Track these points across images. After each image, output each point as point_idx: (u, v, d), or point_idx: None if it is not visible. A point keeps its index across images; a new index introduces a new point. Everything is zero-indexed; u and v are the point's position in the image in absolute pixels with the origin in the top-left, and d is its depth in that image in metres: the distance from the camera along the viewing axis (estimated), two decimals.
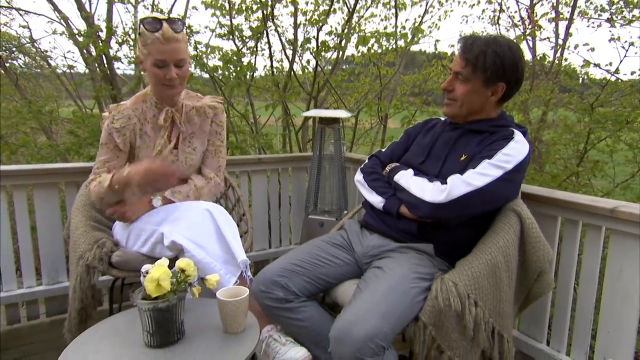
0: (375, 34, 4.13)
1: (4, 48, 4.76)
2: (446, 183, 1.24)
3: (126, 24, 4.34)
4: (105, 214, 1.58)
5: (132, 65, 3.94)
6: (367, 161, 1.59)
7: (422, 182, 1.30)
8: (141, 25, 1.38)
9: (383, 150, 1.61)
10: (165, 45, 1.38)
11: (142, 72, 1.49)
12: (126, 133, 1.49)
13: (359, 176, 1.55)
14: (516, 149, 1.25)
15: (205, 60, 3.64)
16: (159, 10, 4.25)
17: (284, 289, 1.32)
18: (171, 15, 1.46)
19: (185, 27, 1.44)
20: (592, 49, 4.03)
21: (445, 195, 1.21)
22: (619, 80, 4.08)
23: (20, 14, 4.35)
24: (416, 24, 4.66)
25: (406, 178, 1.35)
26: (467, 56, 1.29)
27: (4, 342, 1.87)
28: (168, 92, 1.48)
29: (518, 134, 1.30)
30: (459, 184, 1.21)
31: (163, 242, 1.38)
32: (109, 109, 1.53)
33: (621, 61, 4.00)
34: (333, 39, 3.89)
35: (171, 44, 1.39)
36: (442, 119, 1.52)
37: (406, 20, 8.44)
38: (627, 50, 3.93)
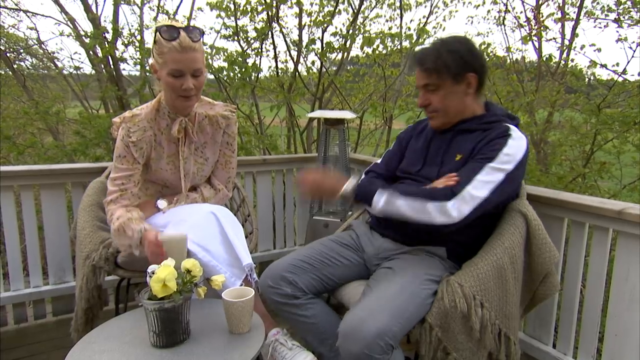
0: (380, 35, 4.13)
1: (12, 50, 4.81)
2: (446, 198, 1.17)
3: (132, 26, 4.37)
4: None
5: (138, 67, 3.96)
6: (363, 177, 1.55)
7: (421, 205, 1.18)
8: (157, 33, 1.34)
9: (379, 161, 1.59)
10: (182, 55, 1.33)
11: (158, 79, 1.43)
12: (143, 146, 1.45)
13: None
14: (515, 147, 1.24)
15: (210, 61, 3.66)
16: (165, 11, 4.27)
17: (291, 285, 1.33)
18: (190, 24, 1.41)
19: (202, 36, 1.40)
20: (599, 50, 4.00)
21: (456, 214, 1.16)
22: (626, 81, 4.05)
23: (28, 16, 4.40)
24: (421, 25, 4.65)
25: (393, 203, 1.22)
26: (426, 66, 1.29)
27: (11, 341, 1.88)
28: (184, 103, 1.43)
29: (514, 130, 1.28)
30: (467, 199, 1.17)
31: None
32: (122, 118, 1.48)
33: (628, 62, 3.96)
34: (338, 39, 3.89)
35: (188, 53, 1.34)
36: None
37: (411, 21, 8.44)
38: (634, 51, 3.90)
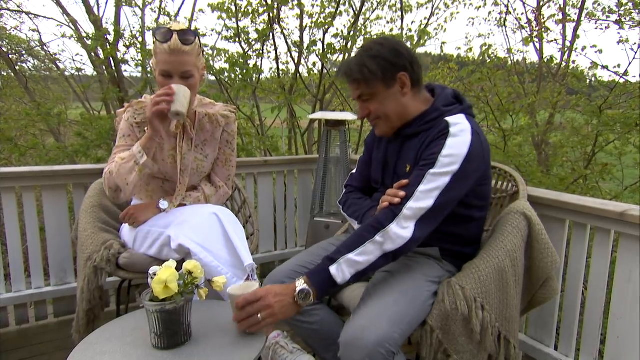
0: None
1: (14, 51, 4.83)
2: (385, 223, 1.10)
3: (134, 27, 4.39)
4: (116, 216, 1.58)
5: (139, 68, 3.97)
6: (343, 191, 1.53)
7: (371, 247, 1.09)
8: (153, 35, 1.41)
9: (354, 172, 1.55)
10: (171, 57, 1.38)
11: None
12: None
13: (342, 211, 1.49)
14: (456, 145, 1.14)
15: (211, 62, 3.67)
16: (166, 13, 4.29)
17: None
18: (185, 26, 1.44)
19: (197, 38, 1.43)
20: (600, 51, 4.00)
21: (404, 233, 1.09)
22: (628, 82, 4.04)
23: (30, 18, 4.43)
24: (422, 26, 4.66)
25: (355, 264, 1.09)
26: (353, 77, 1.24)
27: (13, 342, 1.89)
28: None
29: (453, 124, 1.17)
30: (410, 215, 1.10)
31: (170, 245, 1.38)
32: (130, 103, 1.53)
33: (630, 63, 3.96)
34: (339, 41, 3.90)
35: (177, 56, 1.38)
36: None
37: (412, 22, 8.47)
38: (635, 52, 3.89)
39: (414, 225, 1.11)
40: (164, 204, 1.53)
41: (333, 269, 1.09)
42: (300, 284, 1.08)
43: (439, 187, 1.12)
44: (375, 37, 4.14)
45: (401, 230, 1.10)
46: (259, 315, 1.02)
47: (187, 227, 1.39)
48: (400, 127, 1.29)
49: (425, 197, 1.12)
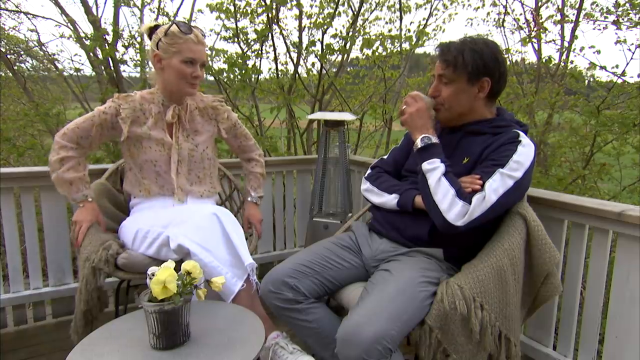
0: (380, 37, 4.14)
1: (12, 51, 4.81)
2: (466, 200, 1.20)
3: (132, 28, 4.38)
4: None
5: (138, 68, 3.97)
6: (370, 171, 1.58)
7: (450, 193, 1.21)
8: (174, 26, 1.51)
9: (385, 157, 1.59)
10: (197, 46, 1.53)
11: (161, 70, 1.56)
12: (127, 122, 1.55)
13: (365, 185, 1.53)
14: (525, 155, 1.23)
15: (210, 63, 3.66)
16: (165, 13, 4.28)
17: (293, 290, 1.32)
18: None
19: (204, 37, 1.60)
20: (598, 52, 4.00)
21: (465, 219, 1.19)
22: (626, 83, 4.05)
23: (29, 18, 4.40)
24: (421, 27, 4.66)
25: (436, 175, 1.24)
26: (446, 57, 1.30)
27: (11, 343, 1.88)
28: (189, 89, 1.58)
29: (523, 137, 1.28)
30: (480, 203, 1.19)
31: (169, 245, 1.38)
32: (117, 96, 1.58)
33: (627, 63, 3.96)
34: (338, 41, 3.90)
35: (201, 45, 1.55)
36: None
37: (411, 23, 8.50)
38: (633, 53, 3.90)
39: (477, 214, 1.18)
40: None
41: (432, 162, 1.26)
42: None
43: (504, 187, 1.20)
44: (374, 37, 4.14)
45: (467, 214, 1.18)
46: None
47: (186, 227, 1.39)
48: (464, 123, 1.36)
49: (492, 193, 1.18)
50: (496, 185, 1.19)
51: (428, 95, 1.36)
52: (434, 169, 1.26)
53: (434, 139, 1.31)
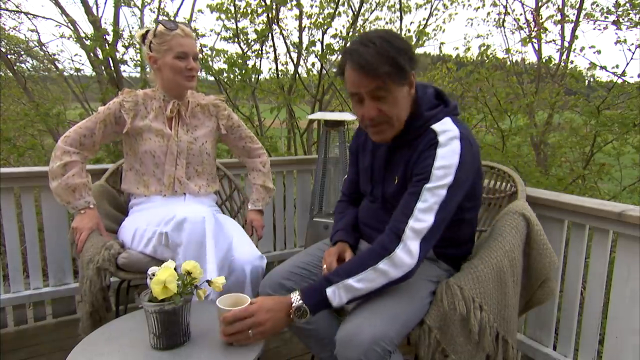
0: None
1: (12, 51, 4.81)
2: (390, 249, 1.06)
3: (133, 28, 4.38)
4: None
5: (138, 68, 3.97)
6: (339, 198, 1.52)
7: (373, 273, 1.06)
8: (160, 26, 1.55)
9: (347, 177, 1.50)
10: (185, 39, 1.56)
11: (158, 70, 1.60)
12: (130, 114, 1.59)
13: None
14: (447, 156, 1.08)
15: (210, 63, 3.66)
16: (165, 13, 4.29)
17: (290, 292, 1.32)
18: (190, 25, 1.60)
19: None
20: (599, 52, 4.00)
21: (409, 258, 1.06)
22: (626, 83, 4.05)
23: (29, 18, 4.40)
24: (421, 27, 4.67)
25: (352, 289, 1.06)
26: (375, 70, 1.04)
27: (11, 343, 1.88)
28: (188, 83, 1.60)
29: (440, 131, 1.11)
30: (412, 236, 1.06)
31: (163, 244, 1.40)
32: (123, 91, 1.64)
33: (628, 63, 3.97)
34: (338, 41, 3.90)
35: (190, 38, 1.58)
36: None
37: (411, 23, 8.49)
38: (633, 53, 3.90)
39: (419, 246, 1.06)
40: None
41: (329, 291, 1.05)
42: (296, 300, 1.04)
43: (437, 202, 1.07)
44: None
45: (406, 256, 1.05)
46: (250, 332, 1.00)
47: (178, 224, 1.39)
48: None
49: (425, 215, 1.07)
50: (428, 205, 1.07)
51: (368, 119, 1.12)
52: (342, 294, 1.06)
53: (304, 308, 1.04)
